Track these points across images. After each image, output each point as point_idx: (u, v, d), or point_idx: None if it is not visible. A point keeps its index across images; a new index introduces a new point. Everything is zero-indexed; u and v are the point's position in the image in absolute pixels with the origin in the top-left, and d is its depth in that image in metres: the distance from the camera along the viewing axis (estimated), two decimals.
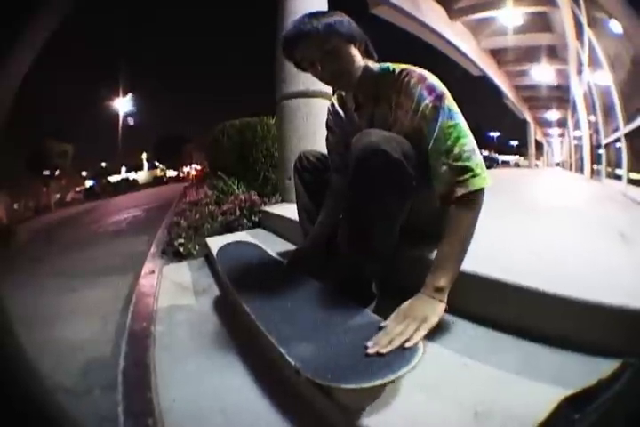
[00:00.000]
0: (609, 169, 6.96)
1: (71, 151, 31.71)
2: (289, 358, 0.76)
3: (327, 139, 1.32)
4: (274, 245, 1.95)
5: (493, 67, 12.13)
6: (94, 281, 2.59)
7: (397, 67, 1.04)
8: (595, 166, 8.18)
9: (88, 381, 1.24)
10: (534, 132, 19.21)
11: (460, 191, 0.91)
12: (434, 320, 0.81)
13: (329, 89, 2.68)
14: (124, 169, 48.77)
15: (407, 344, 0.73)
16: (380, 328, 0.80)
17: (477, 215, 0.92)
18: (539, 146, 23.45)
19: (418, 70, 1.00)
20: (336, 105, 1.26)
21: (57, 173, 30.31)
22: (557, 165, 19.30)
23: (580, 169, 9.91)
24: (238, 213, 2.80)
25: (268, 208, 2.61)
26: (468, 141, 0.93)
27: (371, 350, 0.72)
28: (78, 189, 34.63)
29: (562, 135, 18.60)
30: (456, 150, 0.92)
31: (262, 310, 1.02)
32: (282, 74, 2.67)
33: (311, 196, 1.40)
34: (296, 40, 0.99)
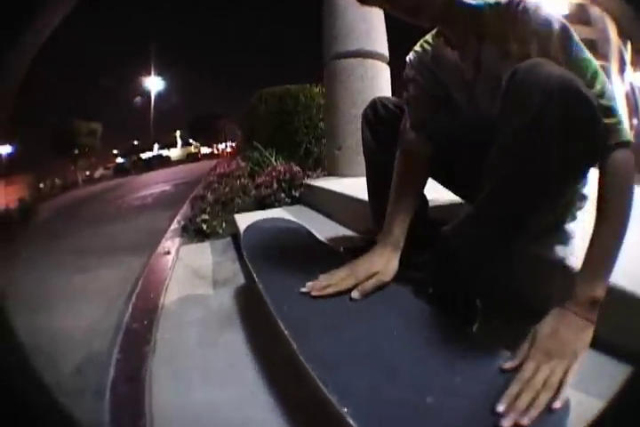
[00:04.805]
0: None
1: (100, 130, 32.21)
2: (329, 395, 0.50)
3: (407, 91, 1.02)
4: (318, 226, 1.58)
5: None
6: (109, 260, 2.45)
7: None
8: None
9: (80, 378, 1.07)
10: None
11: (613, 138, 0.64)
12: (582, 356, 0.54)
13: (385, 51, 2.44)
14: (156, 146, 49.03)
15: (556, 404, 0.47)
16: (503, 371, 0.53)
17: (634, 184, 0.63)
18: None
19: None
20: (420, 53, 0.98)
21: (86, 150, 30.91)
22: None
23: None
24: (275, 186, 2.52)
25: (311, 181, 2.33)
26: (607, 80, 0.70)
27: (506, 424, 0.45)
28: (109, 165, 35.17)
29: None
30: (598, 86, 0.67)
31: (296, 315, 0.73)
32: (333, 30, 2.38)
33: (388, 159, 1.03)
34: None
